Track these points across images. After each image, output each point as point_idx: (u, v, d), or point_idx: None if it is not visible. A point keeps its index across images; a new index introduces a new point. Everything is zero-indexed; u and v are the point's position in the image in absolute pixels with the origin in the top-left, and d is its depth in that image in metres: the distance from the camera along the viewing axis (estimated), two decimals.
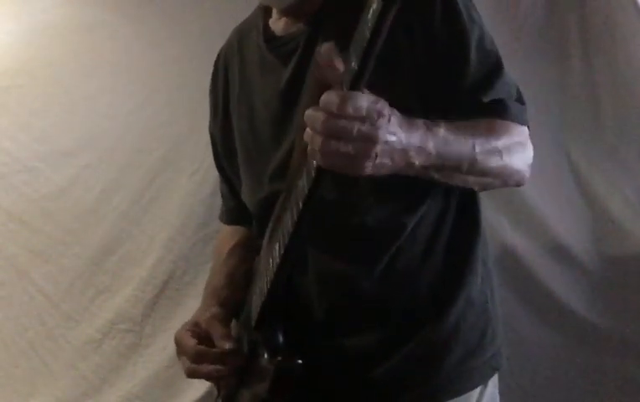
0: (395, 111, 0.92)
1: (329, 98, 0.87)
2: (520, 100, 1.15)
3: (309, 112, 0.90)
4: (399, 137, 0.91)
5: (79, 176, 2.55)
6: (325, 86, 0.92)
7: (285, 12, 1.22)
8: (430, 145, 0.96)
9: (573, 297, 2.31)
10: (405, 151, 0.93)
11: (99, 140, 2.54)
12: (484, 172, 1.05)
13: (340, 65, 0.87)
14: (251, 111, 1.28)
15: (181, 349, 1.24)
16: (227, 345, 1.19)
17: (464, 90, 1.10)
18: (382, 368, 1.15)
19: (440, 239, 1.17)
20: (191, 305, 2.49)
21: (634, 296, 2.27)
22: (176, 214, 2.47)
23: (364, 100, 0.87)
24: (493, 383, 1.23)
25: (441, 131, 0.98)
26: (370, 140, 0.88)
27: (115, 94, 2.55)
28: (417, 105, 1.06)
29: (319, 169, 0.92)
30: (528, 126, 1.14)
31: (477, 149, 1.02)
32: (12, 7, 2.55)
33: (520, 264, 2.31)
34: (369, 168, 0.90)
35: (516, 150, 1.09)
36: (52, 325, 2.53)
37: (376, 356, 1.16)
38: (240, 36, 1.37)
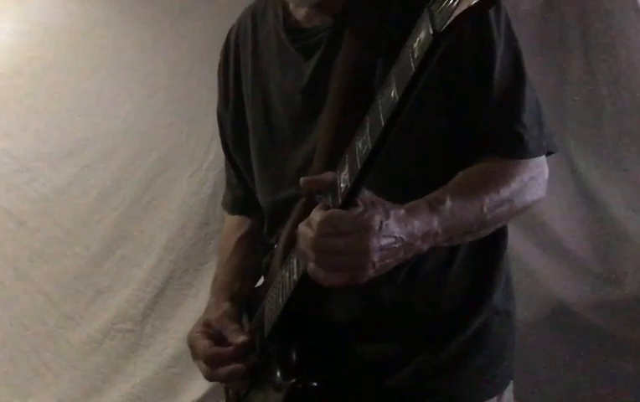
0: (391, 210, 0.91)
1: (314, 216, 0.89)
2: (540, 119, 1.09)
3: (300, 227, 0.91)
4: (398, 236, 0.91)
5: (79, 176, 2.55)
6: (351, 91, 0.92)
7: (311, 7, 1.14)
8: (436, 224, 0.95)
9: (573, 297, 2.31)
10: (408, 244, 0.92)
11: (99, 140, 2.55)
12: (495, 223, 1.05)
13: (329, 177, 0.90)
14: (267, 105, 1.21)
15: (195, 353, 1.21)
16: (240, 339, 1.16)
17: (488, 107, 1.06)
18: (402, 374, 1.13)
19: (463, 247, 1.14)
20: (191, 305, 2.50)
21: (634, 296, 2.27)
22: (176, 214, 2.47)
23: (347, 217, 0.88)
24: (509, 389, 1.20)
25: (447, 205, 0.96)
26: (362, 252, 0.88)
27: (115, 94, 2.55)
28: (445, 124, 1.05)
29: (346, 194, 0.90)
30: (549, 151, 1.09)
31: (486, 209, 1.00)
32: (12, 7, 2.55)
33: (520, 264, 2.31)
34: (371, 274, 0.90)
35: (529, 186, 1.05)
36: (52, 325, 2.54)
37: (397, 363, 1.13)
38: (254, 17, 1.26)
